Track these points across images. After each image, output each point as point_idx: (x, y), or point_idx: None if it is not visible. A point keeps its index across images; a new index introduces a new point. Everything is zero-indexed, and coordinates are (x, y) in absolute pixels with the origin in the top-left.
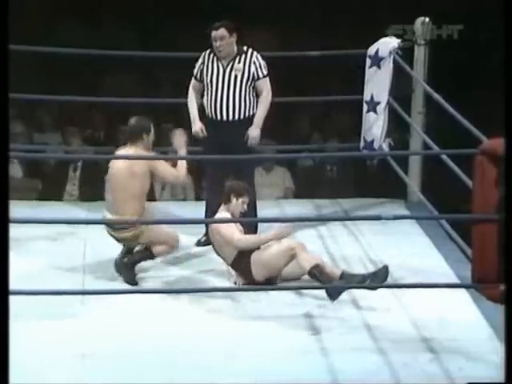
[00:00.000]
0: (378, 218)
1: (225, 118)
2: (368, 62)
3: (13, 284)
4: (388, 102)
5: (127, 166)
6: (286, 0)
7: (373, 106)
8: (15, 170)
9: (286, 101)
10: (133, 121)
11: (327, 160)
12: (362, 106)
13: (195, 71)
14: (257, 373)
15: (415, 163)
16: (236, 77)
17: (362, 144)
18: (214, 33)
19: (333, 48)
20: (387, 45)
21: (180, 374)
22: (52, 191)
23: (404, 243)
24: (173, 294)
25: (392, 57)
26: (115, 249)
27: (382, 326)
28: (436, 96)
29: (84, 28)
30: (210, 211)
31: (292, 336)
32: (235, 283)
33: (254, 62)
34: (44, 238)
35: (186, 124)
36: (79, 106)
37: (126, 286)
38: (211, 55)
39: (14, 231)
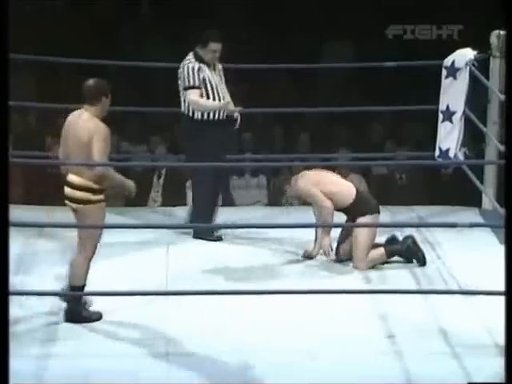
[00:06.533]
0: (453, 225)
1: (235, 115)
2: (444, 72)
3: (100, 285)
4: (464, 112)
5: (81, 126)
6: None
7: (448, 115)
8: None
9: (361, 110)
10: (91, 82)
11: (401, 168)
12: (437, 115)
13: (193, 81)
14: (334, 373)
15: (490, 172)
16: (221, 77)
17: (437, 152)
18: (216, 45)
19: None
20: (463, 56)
21: (261, 373)
22: (137, 197)
23: (478, 250)
24: (256, 295)
25: (468, 68)
26: (197, 252)
27: (455, 331)
28: None
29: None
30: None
31: (367, 338)
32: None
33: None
34: (131, 242)
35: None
36: (163, 117)
37: (209, 288)
38: (201, 64)
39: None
